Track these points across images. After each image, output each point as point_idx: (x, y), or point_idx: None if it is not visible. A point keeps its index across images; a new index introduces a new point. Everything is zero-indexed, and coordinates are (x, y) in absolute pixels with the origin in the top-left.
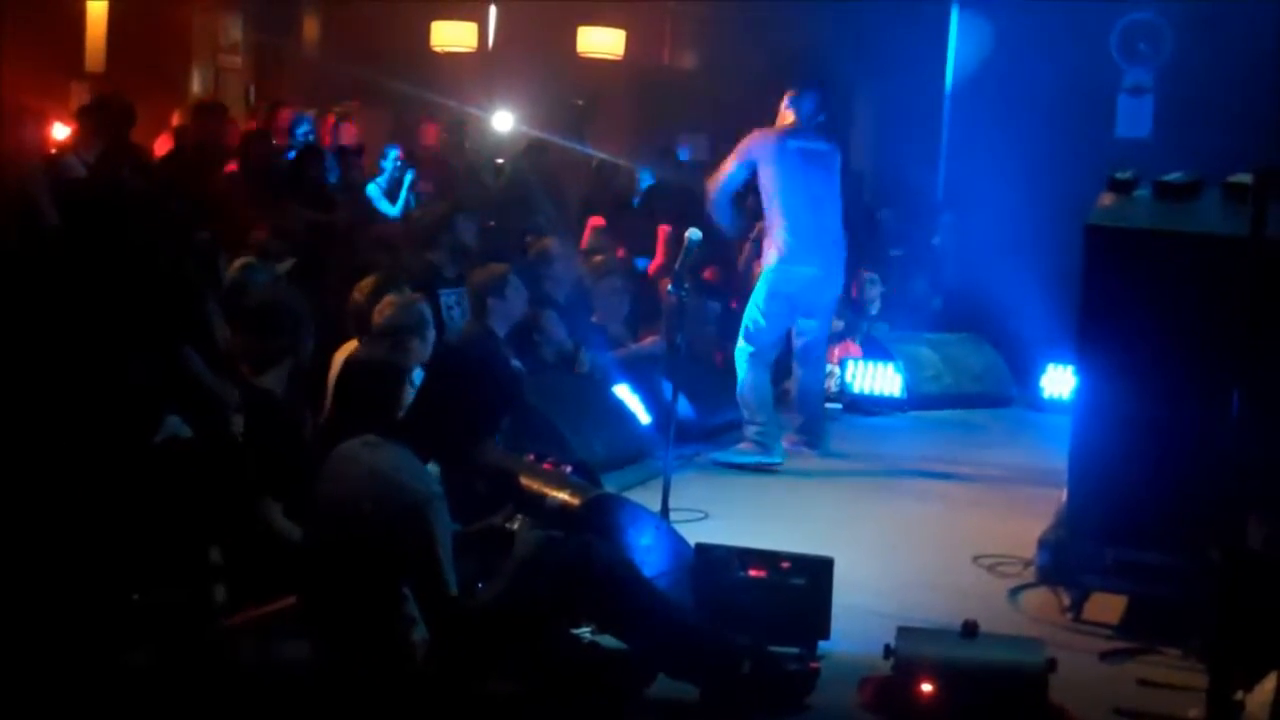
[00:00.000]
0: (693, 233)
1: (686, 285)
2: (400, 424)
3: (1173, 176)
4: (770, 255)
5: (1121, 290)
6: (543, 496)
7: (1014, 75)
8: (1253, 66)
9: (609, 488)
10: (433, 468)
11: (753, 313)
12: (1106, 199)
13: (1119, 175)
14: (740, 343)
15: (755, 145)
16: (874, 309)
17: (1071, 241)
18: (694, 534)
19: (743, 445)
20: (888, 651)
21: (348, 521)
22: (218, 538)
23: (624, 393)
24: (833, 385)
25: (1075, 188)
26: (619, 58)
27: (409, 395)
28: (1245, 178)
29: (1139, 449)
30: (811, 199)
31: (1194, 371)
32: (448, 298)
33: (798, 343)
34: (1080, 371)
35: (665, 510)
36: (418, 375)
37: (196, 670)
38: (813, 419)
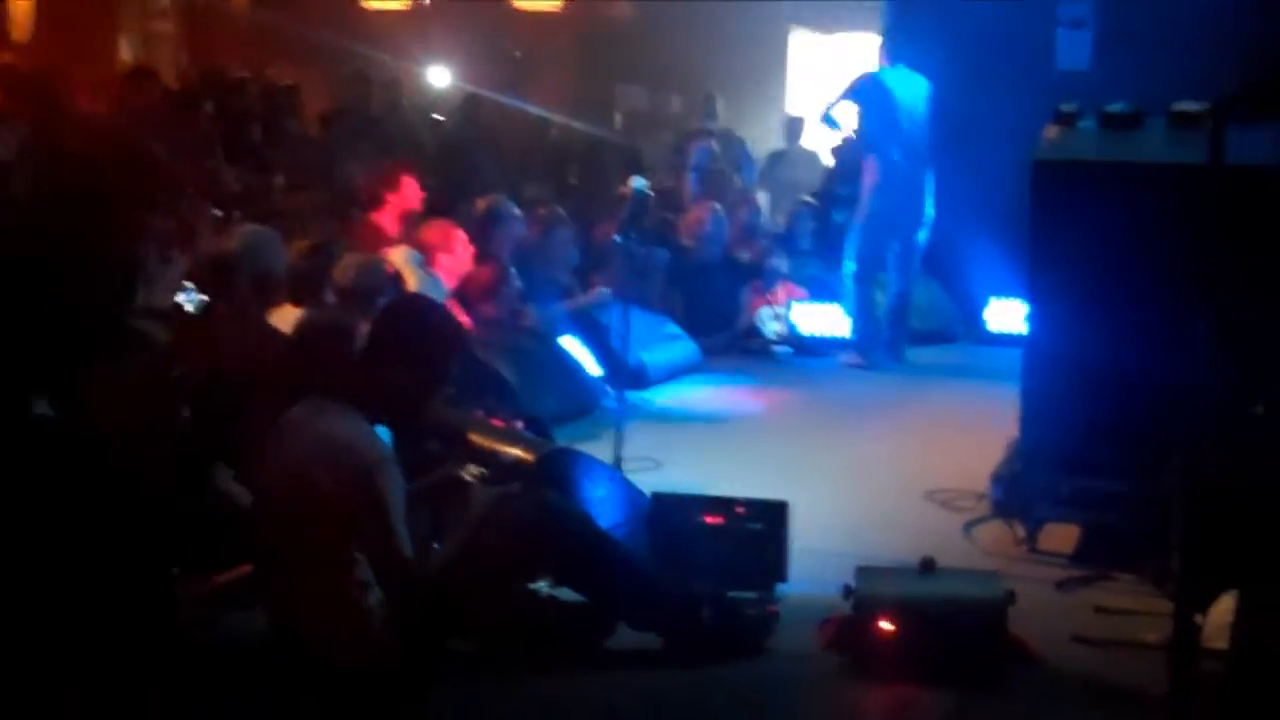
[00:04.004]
0: (637, 181)
1: (633, 234)
2: (348, 386)
3: (1116, 106)
4: None
5: (1070, 222)
6: (496, 453)
7: (950, 9)
8: None
9: (561, 441)
10: (383, 430)
11: None
12: (1051, 132)
13: (1064, 108)
14: None
15: None
16: (805, 244)
17: (1013, 176)
18: (647, 483)
19: None
20: (847, 591)
21: (298, 489)
22: (168, 505)
23: (572, 344)
24: (780, 328)
25: (1015, 121)
26: (557, 9)
27: None
28: (1189, 105)
29: (1089, 380)
30: None
31: (1143, 300)
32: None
33: None
34: (1030, 304)
35: (618, 460)
36: None
37: (150, 643)
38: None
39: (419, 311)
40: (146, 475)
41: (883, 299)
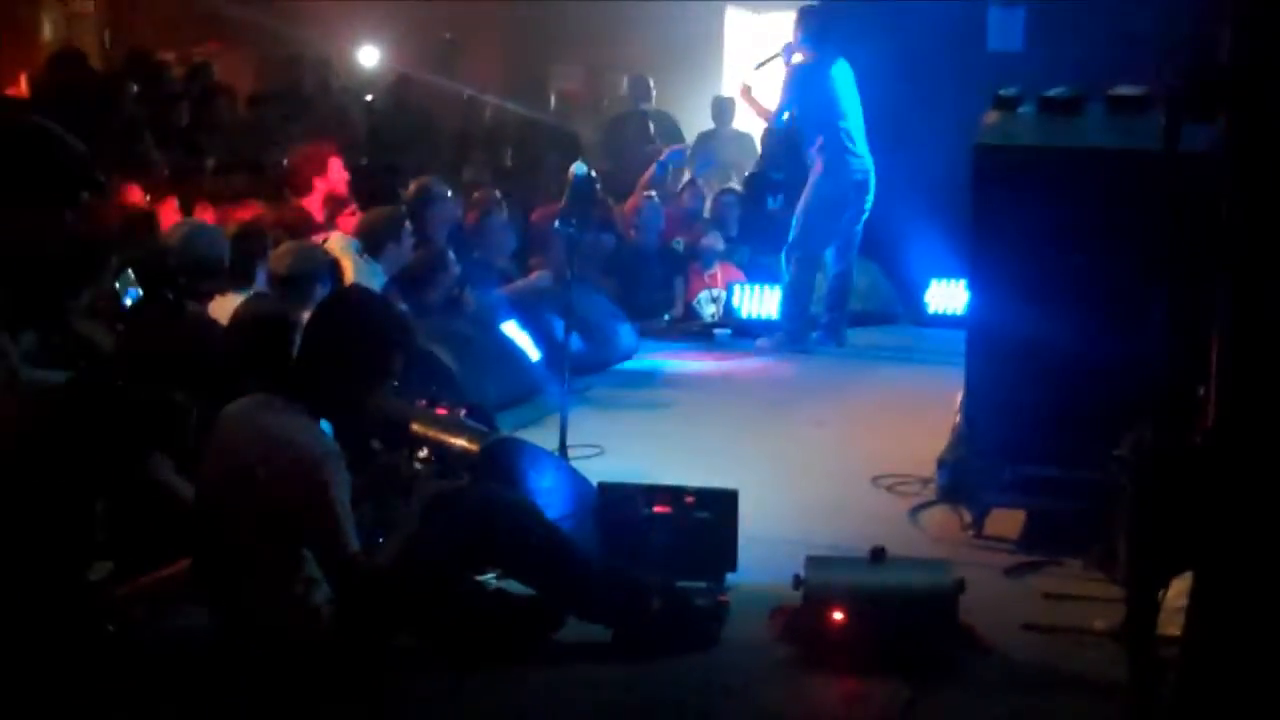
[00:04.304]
0: (578, 167)
1: (574, 221)
2: (290, 379)
3: (1056, 91)
4: None
5: (1011, 207)
6: (440, 443)
7: None
8: None
9: (504, 428)
10: (326, 424)
11: None
12: (992, 116)
13: (1003, 92)
14: None
15: None
16: (731, 231)
17: (949, 157)
18: (592, 470)
19: None
20: (797, 581)
21: (242, 486)
22: (102, 496)
23: (513, 330)
24: (718, 311)
25: (948, 102)
26: None
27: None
28: (1128, 89)
29: (1032, 366)
30: None
31: (1085, 285)
32: None
33: None
34: (972, 290)
35: (563, 448)
36: None
37: (82, 645)
38: None
39: (360, 307)
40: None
41: (822, 281)
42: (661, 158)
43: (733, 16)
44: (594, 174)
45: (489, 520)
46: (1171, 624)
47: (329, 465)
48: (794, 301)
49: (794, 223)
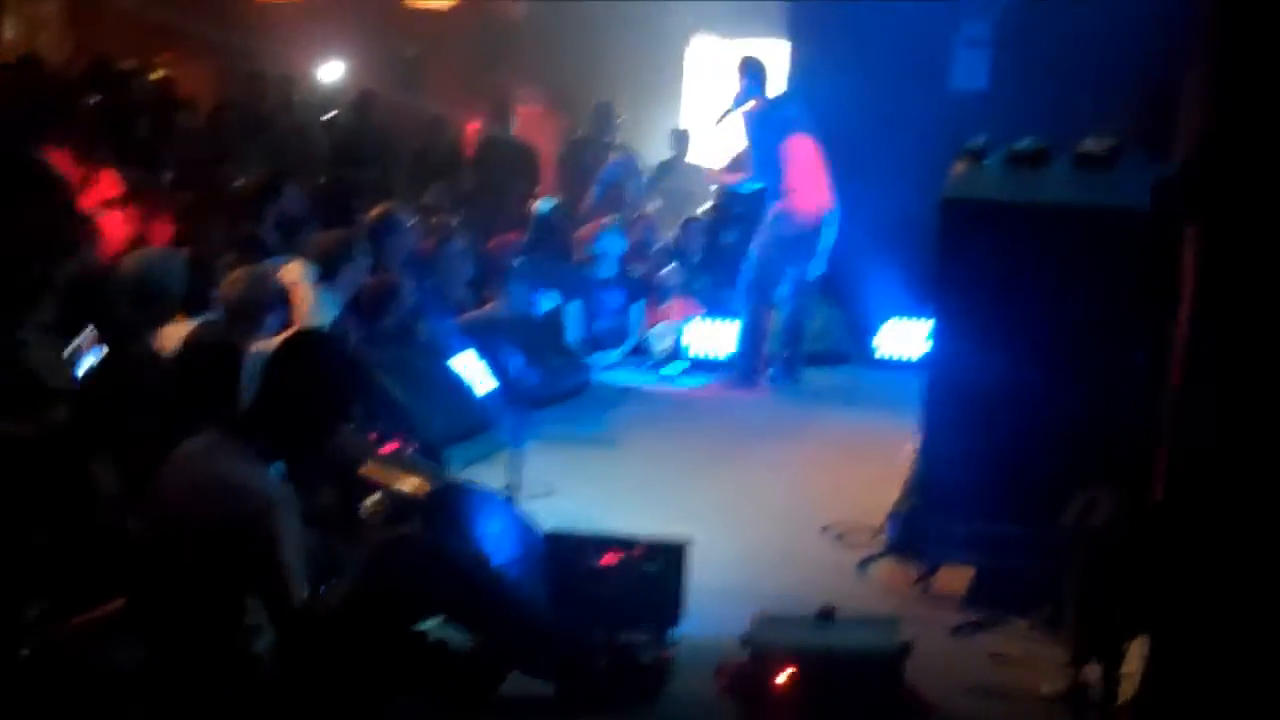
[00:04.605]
0: (543, 204)
1: (537, 256)
2: (243, 420)
3: (1023, 144)
4: None
5: (977, 260)
6: (388, 488)
7: (848, 24)
8: (1088, 20)
9: (453, 462)
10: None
11: None
12: (959, 167)
13: (971, 144)
14: None
15: None
16: (695, 258)
17: (906, 196)
18: (542, 511)
19: None
20: (745, 640)
21: (187, 532)
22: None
23: (470, 359)
24: (669, 346)
25: (911, 140)
26: (450, 6)
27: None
28: (1094, 144)
29: (990, 423)
30: None
31: (1047, 340)
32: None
33: None
34: (935, 341)
35: (514, 488)
36: None
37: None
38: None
39: (319, 356)
40: None
41: (777, 320)
42: (600, 175)
43: (699, 43)
44: (557, 208)
45: (435, 573)
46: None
47: (275, 514)
48: (746, 340)
49: (749, 261)
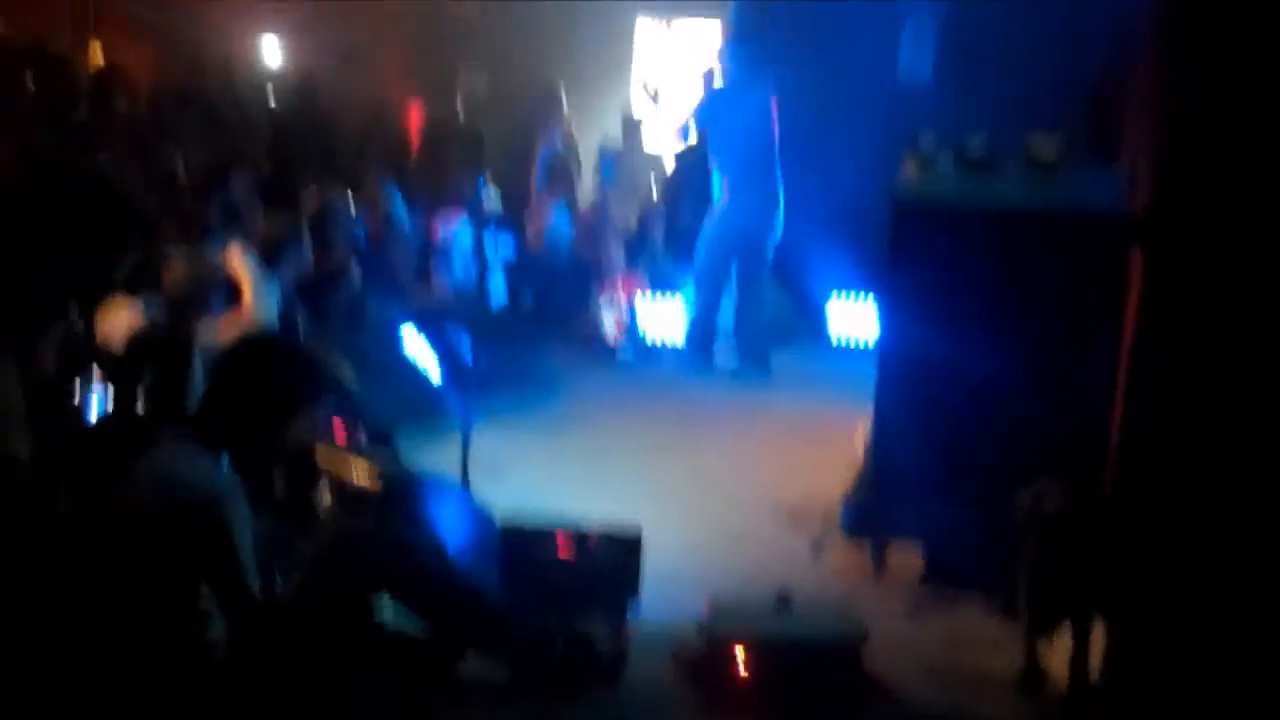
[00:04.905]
0: (488, 191)
1: (487, 251)
2: (195, 416)
3: (973, 146)
4: None
5: (926, 260)
6: (341, 477)
7: (793, 16)
8: (1032, 16)
9: (404, 447)
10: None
11: None
12: (910, 169)
13: (922, 145)
14: None
15: None
16: (657, 245)
17: (851, 182)
18: (493, 495)
19: None
20: (702, 627)
21: (138, 526)
22: None
23: (414, 342)
24: (620, 324)
25: (856, 130)
26: None
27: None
28: (1044, 146)
29: (941, 409)
30: None
31: (997, 335)
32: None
33: None
34: (884, 338)
35: (465, 472)
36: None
37: None
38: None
39: (274, 357)
40: None
41: (729, 305)
42: (540, 154)
43: (644, 26)
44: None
45: (389, 561)
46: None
47: (227, 505)
48: (696, 325)
49: (698, 247)
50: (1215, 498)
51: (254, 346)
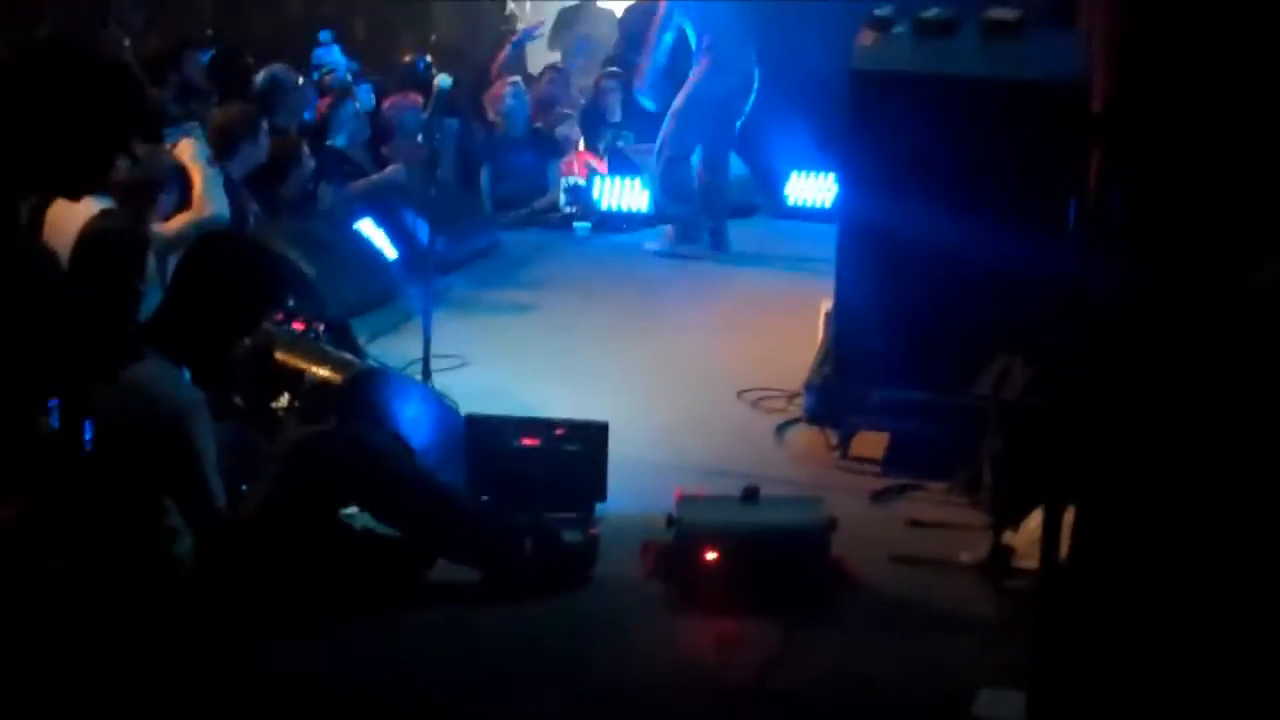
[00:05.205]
0: (442, 79)
1: (438, 135)
2: (154, 324)
3: (931, 13)
4: None
5: (886, 130)
6: (301, 374)
7: None
8: None
9: (363, 336)
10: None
11: None
12: (867, 38)
13: (879, 13)
14: None
15: None
16: (614, 117)
17: (812, 51)
18: (455, 383)
19: None
20: (670, 521)
21: (101, 440)
22: None
23: (368, 227)
24: (575, 202)
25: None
26: None
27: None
28: (1004, 13)
29: (902, 292)
30: None
31: (955, 210)
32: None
33: None
34: (843, 213)
35: (426, 362)
36: None
37: None
38: None
39: (232, 259)
40: None
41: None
42: (515, 37)
43: None
44: (457, 84)
45: (354, 466)
46: (1030, 556)
47: (191, 417)
48: (680, 199)
49: (668, 119)
50: (1177, 379)
51: (215, 249)
